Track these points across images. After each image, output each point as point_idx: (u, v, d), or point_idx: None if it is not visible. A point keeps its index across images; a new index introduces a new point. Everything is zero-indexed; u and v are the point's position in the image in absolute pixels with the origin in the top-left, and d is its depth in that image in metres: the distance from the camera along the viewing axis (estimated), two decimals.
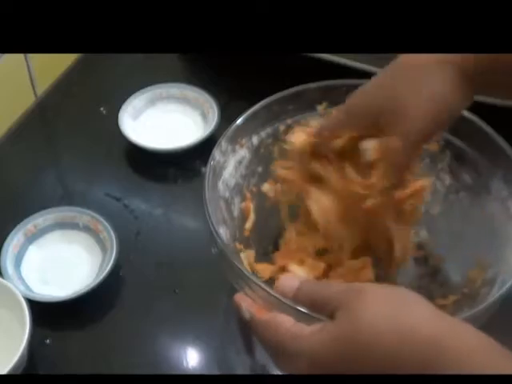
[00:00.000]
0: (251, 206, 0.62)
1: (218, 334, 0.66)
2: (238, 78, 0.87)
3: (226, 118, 0.80)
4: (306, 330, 0.41)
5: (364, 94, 0.53)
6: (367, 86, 0.53)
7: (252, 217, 0.62)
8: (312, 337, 0.41)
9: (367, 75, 0.55)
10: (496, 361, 0.37)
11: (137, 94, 0.85)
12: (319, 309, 0.42)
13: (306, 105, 0.61)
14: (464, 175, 0.59)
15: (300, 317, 0.42)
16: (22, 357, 0.57)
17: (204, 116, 0.84)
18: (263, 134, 0.61)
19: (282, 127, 0.62)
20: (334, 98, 0.58)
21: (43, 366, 0.62)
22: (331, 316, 0.41)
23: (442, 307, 0.55)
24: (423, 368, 0.37)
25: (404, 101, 0.50)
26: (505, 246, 0.53)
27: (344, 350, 0.39)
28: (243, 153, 0.60)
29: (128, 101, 0.84)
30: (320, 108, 0.61)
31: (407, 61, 0.51)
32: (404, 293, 0.42)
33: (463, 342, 0.38)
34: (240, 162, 0.60)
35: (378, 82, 0.53)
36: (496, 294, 0.49)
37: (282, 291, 0.44)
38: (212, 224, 0.51)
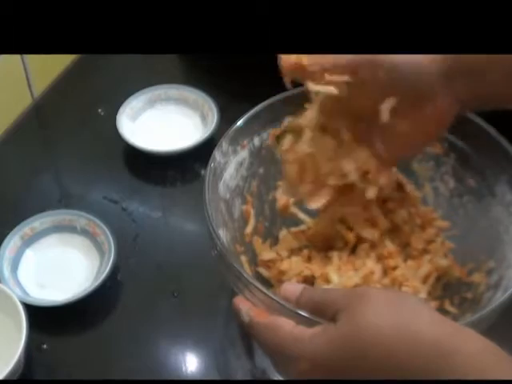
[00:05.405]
0: (252, 210, 0.61)
1: (218, 338, 0.65)
2: (237, 79, 0.86)
3: (225, 120, 0.79)
4: (306, 332, 0.41)
5: None
6: None
7: (252, 222, 0.61)
8: (313, 339, 0.40)
9: None
10: (501, 365, 0.37)
11: (135, 95, 0.85)
12: (321, 313, 0.42)
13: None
14: (468, 179, 0.58)
15: (301, 321, 0.42)
16: (18, 362, 0.57)
17: (203, 118, 0.83)
18: (265, 135, 0.60)
19: None
20: None
21: (40, 372, 0.62)
22: (333, 319, 0.41)
23: (445, 312, 0.55)
24: (427, 371, 0.37)
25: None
26: (509, 250, 0.53)
27: (345, 350, 0.39)
28: (244, 154, 0.60)
29: (126, 102, 0.83)
30: None
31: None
32: (407, 297, 0.42)
33: (468, 346, 0.37)
34: (241, 164, 0.60)
35: None
36: (499, 298, 0.49)
37: (285, 296, 0.44)
38: (212, 226, 0.50)
